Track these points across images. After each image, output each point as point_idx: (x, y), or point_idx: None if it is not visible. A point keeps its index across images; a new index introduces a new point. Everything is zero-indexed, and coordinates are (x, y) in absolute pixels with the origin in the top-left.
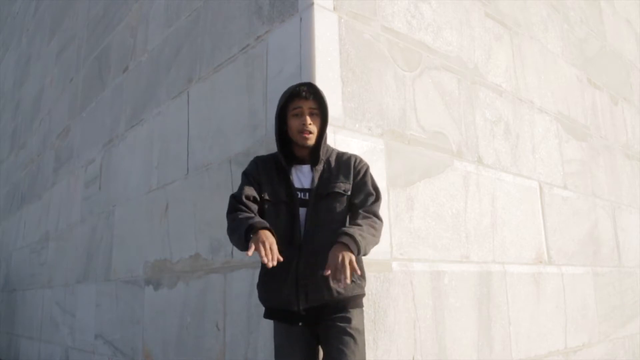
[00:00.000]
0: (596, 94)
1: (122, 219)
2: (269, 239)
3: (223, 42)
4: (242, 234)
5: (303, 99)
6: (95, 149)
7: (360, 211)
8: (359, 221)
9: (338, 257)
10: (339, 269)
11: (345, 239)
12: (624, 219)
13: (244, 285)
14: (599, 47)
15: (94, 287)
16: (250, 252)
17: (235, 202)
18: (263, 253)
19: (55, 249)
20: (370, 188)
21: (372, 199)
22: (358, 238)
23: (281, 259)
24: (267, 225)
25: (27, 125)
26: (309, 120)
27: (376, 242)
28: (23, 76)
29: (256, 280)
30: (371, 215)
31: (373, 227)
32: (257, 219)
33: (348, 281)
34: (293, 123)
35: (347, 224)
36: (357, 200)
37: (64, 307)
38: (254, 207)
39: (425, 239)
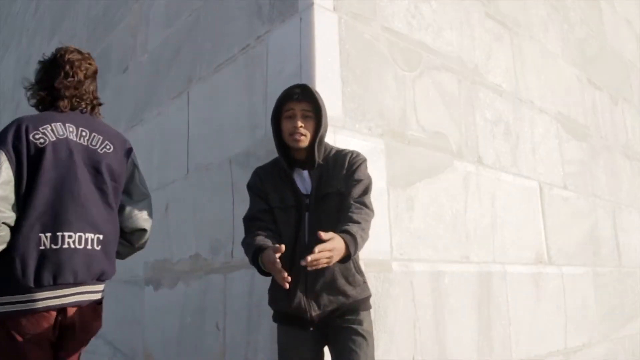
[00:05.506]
0: (596, 94)
1: None
2: (271, 258)
3: (223, 42)
4: (251, 260)
5: (295, 101)
6: None
7: (352, 202)
8: (356, 216)
9: (327, 247)
10: (317, 254)
11: (348, 239)
12: (624, 219)
13: (244, 285)
14: (599, 47)
15: None
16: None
17: (248, 222)
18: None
19: None
20: (361, 177)
21: (361, 187)
22: (359, 241)
23: (289, 279)
24: (267, 244)
25: None
26: (300, 122)
27: (368, 237)
28: (23, 76)
29: (256, 280)
30: (363, 207)
31: (367, 221)
32: (259, 240)
33: (303, 263)
34: (285, 125)
35: (341, 217)
36: (347, 190)
37: None
38: (267, 217)
39: (425, 239)
